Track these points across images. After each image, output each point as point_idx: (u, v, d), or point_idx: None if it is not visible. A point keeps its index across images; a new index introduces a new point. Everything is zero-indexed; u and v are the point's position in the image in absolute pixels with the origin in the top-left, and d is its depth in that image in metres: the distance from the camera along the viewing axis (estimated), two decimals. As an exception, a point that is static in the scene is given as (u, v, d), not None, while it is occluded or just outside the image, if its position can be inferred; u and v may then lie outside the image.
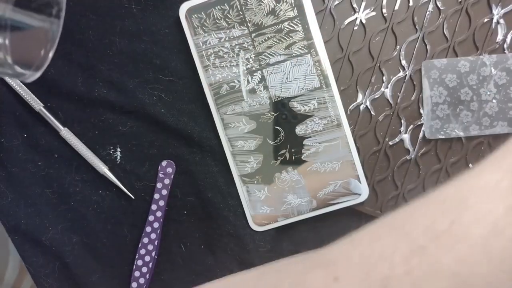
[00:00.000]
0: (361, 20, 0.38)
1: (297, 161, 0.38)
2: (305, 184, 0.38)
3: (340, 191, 0.38)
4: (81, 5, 0.38)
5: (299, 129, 0.38)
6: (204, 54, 0.37)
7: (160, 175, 0.40)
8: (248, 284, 0.29)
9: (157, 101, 0.39)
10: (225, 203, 0.40)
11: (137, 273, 0.40)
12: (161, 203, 0.40)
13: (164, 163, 0.40)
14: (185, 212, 0.40)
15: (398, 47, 0.38)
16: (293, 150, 0.38)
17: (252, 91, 0.38)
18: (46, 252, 0.40)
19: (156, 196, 0.40)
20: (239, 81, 0.38)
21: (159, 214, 0.40)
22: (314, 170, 0.38)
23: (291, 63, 0.37)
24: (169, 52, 0.39)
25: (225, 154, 0.39)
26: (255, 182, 0.39)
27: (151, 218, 0.40)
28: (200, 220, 0.40)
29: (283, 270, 0.28)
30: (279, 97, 0.38)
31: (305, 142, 0.38)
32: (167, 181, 0.40)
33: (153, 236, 0.40)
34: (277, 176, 0.39)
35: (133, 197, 0.40)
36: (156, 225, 0.40)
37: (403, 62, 0.38)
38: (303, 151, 0.38)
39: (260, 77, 0.38)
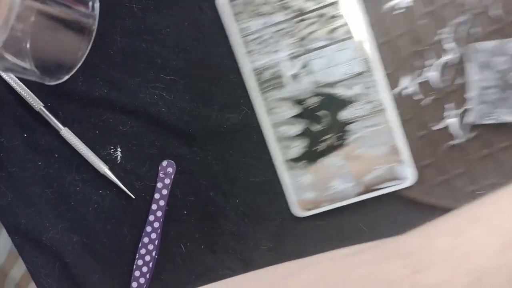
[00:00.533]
0: (405, 3, 0.37)
1: (342, 146, 0.38)
2: (350, 169, 0.38)
3: (386, 176, 0.38)
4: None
5: (344, 114, 0.37)
6: (246, 40, 0.37)
7: (161, 175, 0.39)
8: (309, 271, 0.27)
9: (158, 100, 0.39)
10: (226, 203, 0.39)
11: (137, 273, 0.40)
12: (162, 203, 0.39)
13: (164, 163, 0.40)
14: (185, 212, 0.40)
15: (444, 30, 0.37)
16: (337, 135, 0.38)
17: (296, 76, 0.37)
18: (46, 252, 0.40)
19: (157, 196, 0.39)
20: (282, 67, 0.37)
21: (159, 214, 0.39)
22: (359, 155, 0.38)
23: (334, 47, 0.37)
24: (170, 51, 0.39)
25: (224, 155, 0.39)
26: (300, 168, 0.38)
27: (151, 218, 0.40)
28: (201, 219, 0.40)
29: (349, 259, 0.26)
30: (323, 82, 0.37)
31: (349, 127, 0.37)
32: (167, 181, 0.39)
33: (153, 235, 0.40)
34: (321, 161, 0.38)
35: (134, 197, 0.40)
36: (156, 224, 0.40)
37: (449, 46, 0.37)
38: (348, 136, 0.37)
39: (303, 62, 0.37)
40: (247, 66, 0.38)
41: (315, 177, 0.38)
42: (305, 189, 0.38)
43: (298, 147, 0.38)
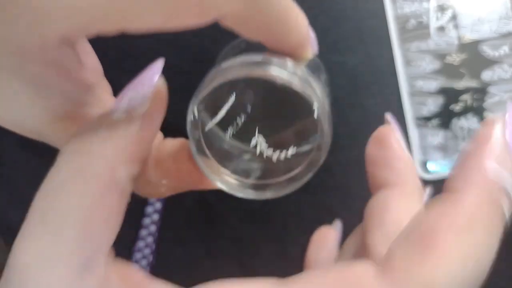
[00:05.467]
0: None
1: (479, 109, 0.36)
2: None
3: None
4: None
5: (485, 75, 0.36)
6: None
7: (158, 176, 0.38)
8: None
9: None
10: (224, 205, 0.38)
11: (133, 278, 0.39)
12: (158, 205, 0.38)
13: (162, 163, 0.38)
14: (183, 215, 0.39)
15: None
16: (475, 96, 0.36)
17: (441, 29, 0.36)
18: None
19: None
20: (428, 17, 0.36)
21: (156, 217, 0.38)
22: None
23: (485, 3, 0.35)
24: (167, 47, 0.37)
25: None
26: (430, 126, 0.36)
27: (148, 220, 0.39)
28: (198, 223, 0.39)
29: None
30: (468, 38, 0.36)
31: (489, 89, 0.36)
32: (165, 182, 0.38)
33: (149, 239, 0.38)
34: (454, 122, 0.36)
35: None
36: (153, 228, 0.38)
37: None
38: (486, 99, 0.36)
39: (451, 15, 0.36)
40: (390, 13, 0.36)
41: (444, 139, 0.37)
42: (432, 150, 0.37)
43: (431, 105, 0.36)
